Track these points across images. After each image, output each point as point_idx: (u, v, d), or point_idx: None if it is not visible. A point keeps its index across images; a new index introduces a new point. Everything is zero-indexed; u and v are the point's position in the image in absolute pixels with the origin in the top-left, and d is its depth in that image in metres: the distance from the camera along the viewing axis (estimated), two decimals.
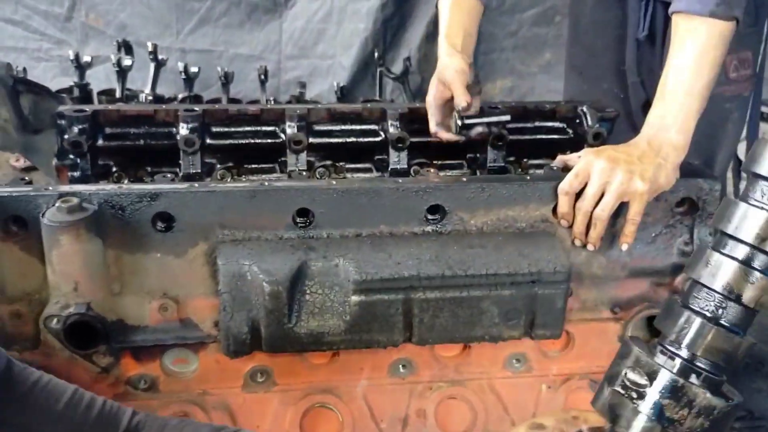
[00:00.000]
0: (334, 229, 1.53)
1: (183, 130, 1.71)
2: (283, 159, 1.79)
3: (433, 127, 1.78)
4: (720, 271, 0.81)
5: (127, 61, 2.78)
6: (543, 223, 1.59)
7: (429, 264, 1.48)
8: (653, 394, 0.81)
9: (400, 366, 1.63)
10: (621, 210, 1.56)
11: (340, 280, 1.47)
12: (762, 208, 0.81)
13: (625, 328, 1.65)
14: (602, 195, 1.53)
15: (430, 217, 1.56)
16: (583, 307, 1.63)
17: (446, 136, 1.78)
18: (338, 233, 1.53)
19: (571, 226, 1.58)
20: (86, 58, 2.86)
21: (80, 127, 1.68)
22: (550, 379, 1.69)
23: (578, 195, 1.55)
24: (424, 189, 1.54)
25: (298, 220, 1.52)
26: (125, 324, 1.49)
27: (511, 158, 1.88)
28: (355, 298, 1.46)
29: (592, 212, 1.54)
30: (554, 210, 1.59)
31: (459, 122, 1.75)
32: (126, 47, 3.04)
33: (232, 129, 1.79)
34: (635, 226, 1.56)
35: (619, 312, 1.65)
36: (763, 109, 2.81)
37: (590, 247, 1.58)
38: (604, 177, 1.52)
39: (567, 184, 1.54)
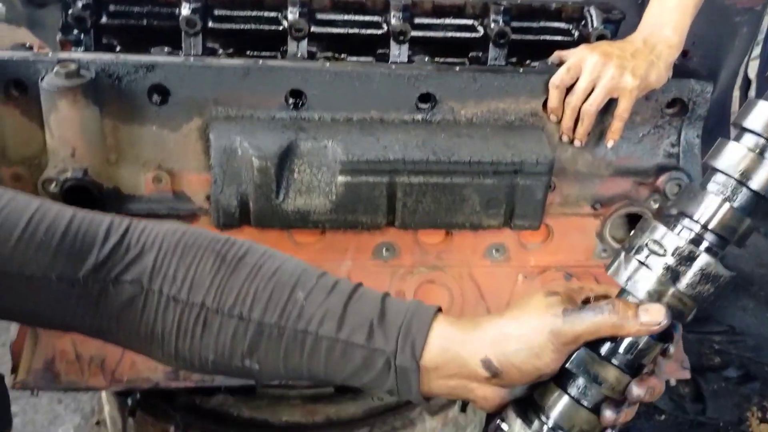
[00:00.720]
0: (326, 112, 1.56)
1: (185, 10, 1.71)
2: (284, 48, 1.80)
3: None
4: (735, 158, 0.88)
5: None
6: (532, 117, 1.60)
7: (415, 149, 1.51)
8: (666, 259, 0.89)
9: (384, 249, 1.68)
10: (610, 107, 1.57)
11: (327, 161, 1.51)
12: None
13: (604, 224, 1.68)
14: (593, 90, 1.53)
15: (420, 105, 1.58)
16: (564, 201, 1.66)
17: None
18: (329, 116, 1.56)
19: (560, 122, 1.60)
20: None
21: (84, 2, 1.69)
22: (528, 270, 1.73)
23: (570, 90, 1.56)
24: (416, 76, 1.56)
25: (290, 100, 1.55)
26: (120, 192, 1.55)
27: (513, 59, 1.87)
28: (341, 179, 1.50)
29: (581, 108, 1.55)
30: (545, 104, 1.60)
31: None
32: None
33: (235, 13, 1.79)
34: (622, 123, 1.56)
35: (600, 208, 1.67)
36: None
37: (577, 143, 1.60)
38: (595, 72, 1.52)
39: (558, 78, 1.55)
